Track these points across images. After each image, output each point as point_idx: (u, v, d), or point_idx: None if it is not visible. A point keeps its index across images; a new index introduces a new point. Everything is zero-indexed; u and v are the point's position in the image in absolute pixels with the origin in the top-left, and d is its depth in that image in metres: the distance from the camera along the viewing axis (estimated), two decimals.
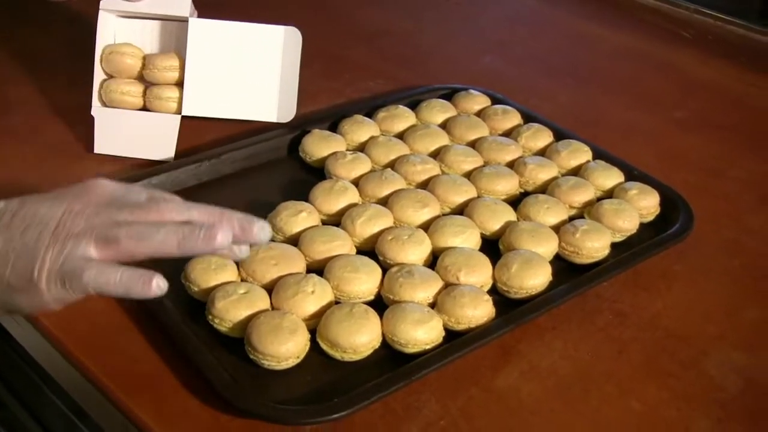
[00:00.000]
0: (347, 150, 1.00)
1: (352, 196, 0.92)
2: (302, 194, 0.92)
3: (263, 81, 1.02)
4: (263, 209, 0.89)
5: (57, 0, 1.04)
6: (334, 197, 0.91)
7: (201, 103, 1.00)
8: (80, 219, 0.67)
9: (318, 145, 0.99)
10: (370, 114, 1.06)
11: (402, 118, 1.05)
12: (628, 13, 1.48)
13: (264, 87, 1.02)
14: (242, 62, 1.01)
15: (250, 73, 1.01)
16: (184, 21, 0.99)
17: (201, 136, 1.03)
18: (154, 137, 0.99)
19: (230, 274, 0.80)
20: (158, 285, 0.66)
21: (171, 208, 0.69)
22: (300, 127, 1.02)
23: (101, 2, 0.98)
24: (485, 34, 1.40)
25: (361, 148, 1.01)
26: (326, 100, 1.14)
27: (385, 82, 1.20)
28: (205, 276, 0.79)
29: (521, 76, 1.27)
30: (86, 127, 1.01)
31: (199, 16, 1.01)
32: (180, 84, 1.00)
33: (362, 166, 0.96)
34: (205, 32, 0.99)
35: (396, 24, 1.40)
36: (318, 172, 0.98)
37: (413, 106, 1.09)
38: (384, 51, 1.31)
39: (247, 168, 0.99)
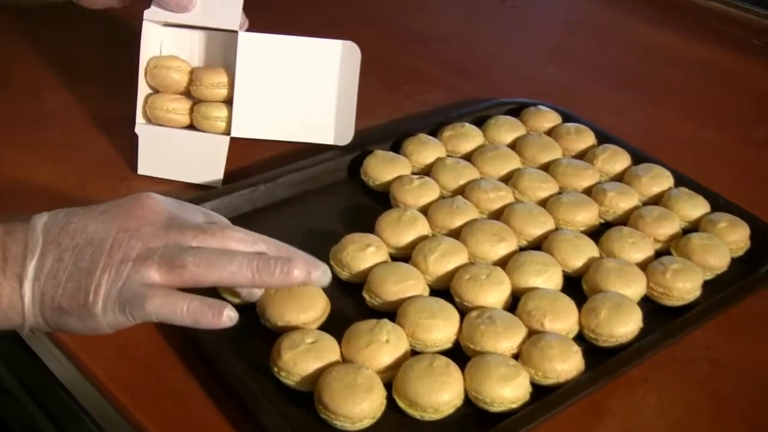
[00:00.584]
0: (412, 173, 0.92)
1: (422, 227, 0.84)
2: (365, 221, 0.85)
3: (319, 100, 0.93)
4: (324, 239, 0.83)
5: (95, 7, 0.95)
6: (403, 229, 0.83)
7: (251, 124, 0.92)
8: (137, 240, 0.63)
9: (381, 169, 0.91)
10: (434, 132, 0.99)
11: (469, 137, 0.98)
12: (694, 18, 1.39)
13: (320, 107, 0.94)
14: (296, 80, 0.93)
15: (305, 92, 0.93)
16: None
17: (250, 156, 0.96)
18: (201, 159, 0.92)
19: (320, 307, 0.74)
20: (229, 316, 0.63)
21: (237, 237, 0.66)
22: (360, 147, 0.95)
23: (146, 12, 0.91)
24: (544, 40, 1.32)
25: (427, 170, 0.93)
26: (385, 114, 1.06)
27: (446, 93, 1.13)
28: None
29: (587, 88, 1.19)
30: (128, 142, 0.94)
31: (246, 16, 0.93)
32: (229, 101, 0.92)
33: (430, 192, 0.89)
34: (255, 47, 0.91)
35: (450, 29, 1.32)
36: (381, 197, 0.91)
37: (478, 122, 1.02)
38: (440, 58, 1.23)
39: (305, 192, 0.91)
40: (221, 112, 0.92)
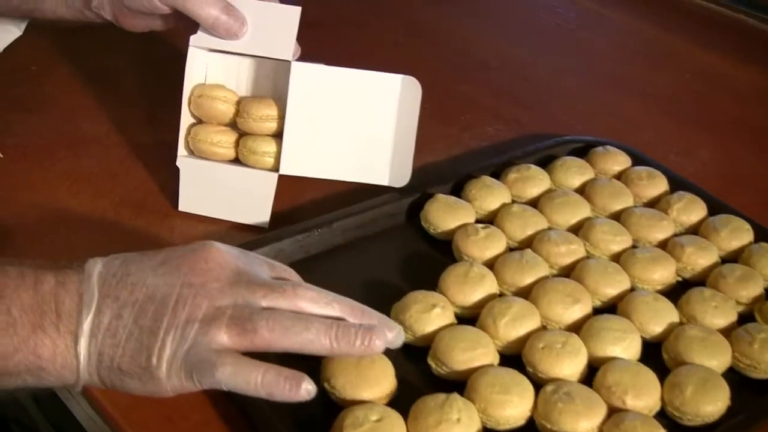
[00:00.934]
0: (476, 220, 0.87)
1: (490, 284, 0.78)
2: (427, 273, 0.79)
3: (375, 138, 0.87)
4: (384, 292, 0.77)
5: (136, 30, 0.89)
6: (470, 287, 0.77)
7: (302, 160, 0.85)
8: (203, 297, 0.59)
9: (443, 216, 0.85)
10: (497, 173, 0.92)
11: (535, 181, 0.91)
12: (755, 45, 1.31)
13: (375, 145, 0.87)
14: (351, 115, 0.86)
15: (360, 128, 0.86)
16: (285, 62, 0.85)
17: (299, 195, 0.90)
18: (247, 197, 0.86)
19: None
20: (307, 390, 0.59)
21: (309, 297, 0.62)
22: (419, 189, 0.88)
23: (192, 38, 0.84)
24: (601, 66, 1.25)
25: (492, 217, 0.87)
26: (442, 148, 1.00)
27: (505, 127, 1.06)
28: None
29: (650, 121, 1.12)
30: (169, 175, 0.88)
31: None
32: (278, 135, 0.86)
33: (497, 243, 0.83)
34: (309, 78, 0.84)
35: (507, 53, 1.25)
36: (443, 245, 0.85)
37: (543, 161, 0.96)
38: (497, 85, 1.16)
39: (361, 238, 0.85)
40: (270, 146, 0.85)
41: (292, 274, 0.67)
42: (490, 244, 0.82)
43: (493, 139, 1.04)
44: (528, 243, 0.85)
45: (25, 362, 0.58)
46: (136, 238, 0.84)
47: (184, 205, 0.87)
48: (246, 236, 0.84)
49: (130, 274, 0.60)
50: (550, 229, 0.86)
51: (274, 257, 0.78)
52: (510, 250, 0.84)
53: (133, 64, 1.11)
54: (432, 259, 0.83)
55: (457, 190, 0.90)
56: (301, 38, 0.84)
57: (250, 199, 0.85)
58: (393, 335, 0.63)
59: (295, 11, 0.84)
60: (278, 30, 0.84)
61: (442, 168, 0.96)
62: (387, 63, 1.16)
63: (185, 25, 0.84)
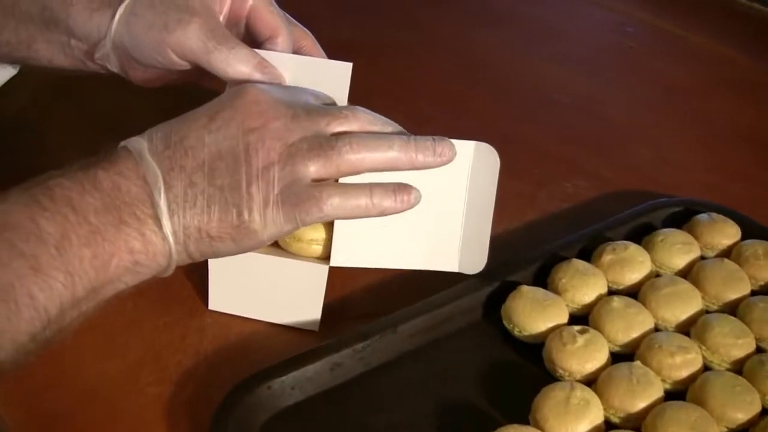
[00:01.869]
0: (570, 314, 0.72)
1: (596, 413, 0.64)
2: (514, 388, 0.67)
3: (442, 217, 0.71)
4: (464, 419, 0.64)
5: (149, 85, 0.74)
6: (573, 417, 0.63)
7: (356, 248, 0.70)
8: (272, 139, 0.59)
9: (531, 315, 0.70)
10: (586, 250, 0.78)
11: (635, 264, 0.76)
12: None
13: (443, 225, 0.71)
14: None
15: (425, 206, 0.70)
16: None
17: (349, 282, 0.75)
18: (291, 294, 0.71)
19: None
20: (416, 197, 0.64)
21: (368, 119, 0.63)
22: (497, 275, 0.73)
23: None
24: (685, 101, 1.08)
25: (586, 311, 0.73)
26: (517, 212, 0.85)
27: (587, 183, 0.91)
28: None
29: (751, 172, 0.97)
30: (197, 266, 0.72)
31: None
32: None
33: (598, 354, 0.68)
34: None
35: (574, 85, 1.09)
36: (530, 350, 0.71)
37: (638, 231, 0.81)
38: (569, 127, 1.01)
39: (431, 342, 0.71)
40: (317, 233, 0.70)
41: (332, 99, 0.67)
42: (590, 355, 0.68)
43: (573, 198, 0.89)
44: (633, 347, 0.70)
45: (122, 264, 0.56)
46: (156, 341, 0.70)
47: (215, 303, 0.72)
48: (291, 340, 0.70)
49: (184, 139, 0.58)
50: (657, 329, 0.72)
51: (329, 374, 0.64)
52: (611, 353, 0.69)
53: (145, 110, 0.94)
54: (519, 369, 0.69)
55: (542, 274, 0.75)
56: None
57: (294, 297, 0.71)
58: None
59: (345, 68, 0.69)
60: (325, 91, 0.69)
61: (519, 240, 0.81)
62: (437, 99, 1.03)
63: (209, 77, 0.69)
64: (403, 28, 1.18)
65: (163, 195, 0.57)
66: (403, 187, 0.62)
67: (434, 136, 0.64)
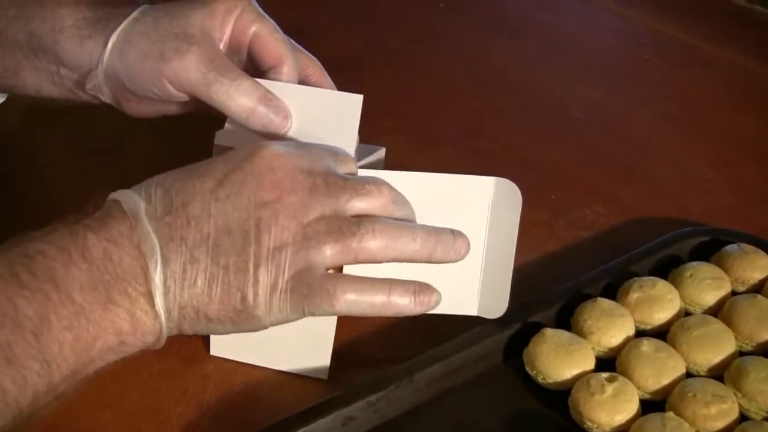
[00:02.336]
0: (596, 357, 0.68)
1: None
2: None
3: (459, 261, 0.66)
4: None
5: (142, 116, 0.71)
6: None
7: None
8: (286, 217, 0.53)
9: (555, 361, 0.66)
10: (612, 285, 0.74)
11: (664, 302, 0.72)
12: None
13: (461, 266, 0.66)
14: None
15: None
16: None
17: (357, 324, 0.70)
18: (298, 338, 0.66)
19: None
20: (437, 300, 0.60)
21: (392, 197, 0.59)
22: (518, 316, 0.69)
23: (217, 134, 0.66)
24: (707, 117, 1.03)
25: (613, 354, 0.68)
26: (534, 242, 0.81)
27: (606, 210, 0.87)
28: None
29: None
30: None
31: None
32: None
33: (628, 404, 0.64)
34: None
35: (592, 100, 1.04)
36: (555, 398, 0.66)
37: (664, 263, 0.77)
38: (587, 146, 0.96)
39: (448, 390, 0.66)
40: None
41: (366, 170, 0.62)
42: (620, 406, 0.64)
43: (593, 226, 0.85)
44: (663, 394, 0.66)
45: (106, 345, 0.52)
46: (155, 390, 0.66)
47: (216, 349, 0.68)
48: (300, 389, 0.66)
49: (187, 205, 0.52)
50: (689, 374, 0.68)
51: (342, 426, 0.60)
52: (640, 401, 0.65)
53: (143, 131, 0.90)
54: (543, 420, 0.65)
55: (566, 313, 0.71)
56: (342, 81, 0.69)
57: (302, 341, 0.66)
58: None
59: (356, 101, 0.65)
60: (333, 125, 0.64)
61: (537, 274, 0.77)
62: (451, 118, 0.98)
63: (210, 107, 0.65)
64: (415, 39, 1.13)
65: (159, 270, 0.52)
66: (424, 288, 0.58)
67: (453, 229, 0.61)
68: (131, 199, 0.53)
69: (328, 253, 0.55)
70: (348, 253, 0.56)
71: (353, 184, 0.58)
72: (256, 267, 0.53)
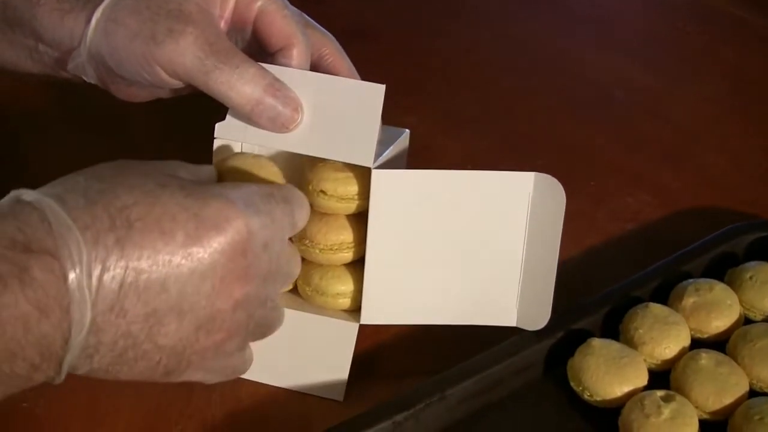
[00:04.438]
0: (649, 370, 0.60)
1: None
2: None
3: (496, 262, 0.60)
4: None
5: (135, 100, 0.63)
6: None
7: (392, 303, 0.59)
8: (243, 312, 0.47)
9: (605, 377, 0.59)
10: (663, 286, 0.66)
11: (722, 308, 0.65)
12: None
13: (497, 271, 0.60)
14: (460, 235, 0.59)
15: (474, 252, 0.60)
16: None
17: (378, 332, 0.63)
18: (313, 355, 0.60)
19: None
20: None
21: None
22: (561, 324, 0.62)
23: (218, 127, 0.58)
24: (754, 94, 0.95)
25: (667, 367, 0.61)
26: (573, 236, 0.70)
27: (652, 199, 0.79)
28: None
29: None
30: None
31: None
32: (356, 265, 0.60)
33: (687, 427, 0.57)
34: (398, 189, 0.58)
35: (631, 78, 0.96)
36: (604, 417, 0.59)
37: (719, 261, 0.69)
38: (629, 128, 0.88)
39: (483, 408, 0.59)
40: (345, 285, 0.60)
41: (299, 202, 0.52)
42: (678, 430, 0.56)
43: (637, 218, 0.77)
44: (724, 414, 0.59)
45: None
46: (154, 406, 0.59)
47: None
48: (313, 407, 0.59)
49: (143, 272, 0.42)
50: (753, 391, 0.60)
51: None
52: (699, 421, 0.58)
53: (144, 110, 0.82)
54: None
55: (613, 319, 0.64)
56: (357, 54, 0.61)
57: (317, 358, 0.60)
58: None
59: (377, 91, 0.57)
60: (351, 119, 0.57)
61: (578, 272, 0.69)
62: (479, 96, 0.91)
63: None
64: (437, 8, 1.05)
65: (81, 338, 0.42)
66: None
67: None
68: (74, 242, 0.41)
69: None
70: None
71: (291, 270, 0.52)
72: (194, 353, 0.46)
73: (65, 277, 0.40)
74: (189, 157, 0.70)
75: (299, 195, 0.51)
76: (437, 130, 0.84)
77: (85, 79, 0.60)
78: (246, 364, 0.52)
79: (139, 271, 0.42)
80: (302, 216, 0.51)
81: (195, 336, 0.46)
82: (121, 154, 0.67)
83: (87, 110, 0.83)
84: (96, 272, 0.41)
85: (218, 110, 0.58)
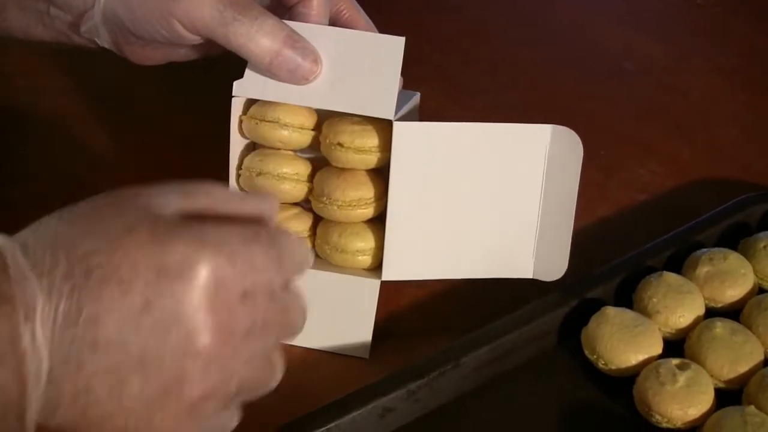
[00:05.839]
0: (664, 338, 0.60)
1: None
2: None
3: (513, 214, 0.60)
4: None
5: (148, 63, 0.62)
6: None
7: (413, 259, 0.59)
8: (216, 368, 0.40)
9: (619, 345, 0.59)
10: (676, 257, 0.66)
11: (736, 276, 0.64)
12: None
13: (514, 224, 0.60)
14: (478, 188, 0.59)
15: (491, 205, 0.60)
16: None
17: (394, 295, 0.63)
18: (336, 314, 0.60)
19: None
20: None
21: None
22: (575, 293, 0.61)
23: (236, 85, 0.57)
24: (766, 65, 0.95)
25: (681, 336, 0.61)
26: (584, 206, 0.70)
27: (663, 169, 0.79)
28: None
29: None
30: None
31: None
32: (375, 222, 0.60)
33: (703, 395, 0.57)
34: (419, 142, 0.57)
35: (641, 48, 0.95)
36: (618, 386, 0.58)
37: (732, 232, 0.69)
38: (640, 99, 0.88)
39: (497, 377, 0.59)
40: (364, 242, 0.59)
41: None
42: (694, 398, 0.56)
43: (648, 188, 0.77)
44: (739, 383, 0.59)
45: None
46: None
47: None
48: (333, 368, 0.59)
49: (98, 320, 0.38)
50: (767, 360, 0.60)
51: (380, 419, 0.52)
52: (715, 390, 0.57)
53: (149, 80, 0.81)
54: (604, 411, 0.58)
55: (626, 288, 0.63)
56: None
57: (340, 317, 0.60)
58: None
59: (397, 44, 0.58)
60: (371, 72, 0.57)
61: (590, 241, 0.69)
62: (489, 66, 0.90)
63: (224, 51, 0.57)
64: None
65: (40, 391, 0.38)
66: None
67: None
68: (30, 289, 0.38)
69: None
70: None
71: (282, 306, 0.45)
72: (166, 416, 0.40)
73: (18, 325, 0.37)
74: (193, 132, 0.71)
75: (291, 237, 0.45)
76: (447, 99, 0.83)
77: (98, 42, 0.59)
78: (235, 420, 0.44)
79: (94, 322, 0.38)
80: (294, 260, 0.45)
81: (164, 398, 0.40)
82: (126, 129, 0.67)
83: (94, 83, 0.82)
84: (49, 321, 0.38)
85: (224, 83, 0.57)
